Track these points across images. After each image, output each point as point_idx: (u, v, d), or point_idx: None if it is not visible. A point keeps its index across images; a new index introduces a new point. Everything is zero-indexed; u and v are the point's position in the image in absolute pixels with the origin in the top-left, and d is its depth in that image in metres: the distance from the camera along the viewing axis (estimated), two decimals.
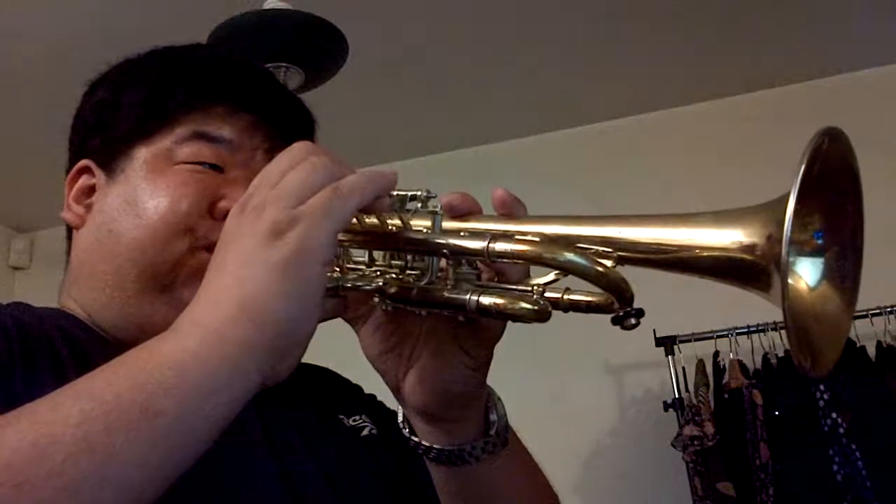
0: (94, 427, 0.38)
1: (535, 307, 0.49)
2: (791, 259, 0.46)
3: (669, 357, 2.46)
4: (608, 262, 0.48)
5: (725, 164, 2.75)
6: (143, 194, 0.66)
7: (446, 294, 0.53)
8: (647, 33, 2.57)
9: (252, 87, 0.73)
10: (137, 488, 0.39)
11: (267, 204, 0.47)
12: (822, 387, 2.17)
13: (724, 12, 2.49)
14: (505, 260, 0.50)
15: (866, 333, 2.25)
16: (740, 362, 2.34)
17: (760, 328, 2.32)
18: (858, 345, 2.26)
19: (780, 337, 2.33)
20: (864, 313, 2.21)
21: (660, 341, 2.46)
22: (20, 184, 3.01)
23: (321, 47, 1.97)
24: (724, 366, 2.38)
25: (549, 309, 0.49)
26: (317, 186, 0.48)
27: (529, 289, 0.52)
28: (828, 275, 0.48)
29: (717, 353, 2.41)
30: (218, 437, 0.43)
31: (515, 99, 2.87)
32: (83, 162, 0.72)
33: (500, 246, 0.49)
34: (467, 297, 0.51)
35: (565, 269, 0.48)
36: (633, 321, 0.48)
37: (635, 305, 0.48)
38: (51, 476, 0.36)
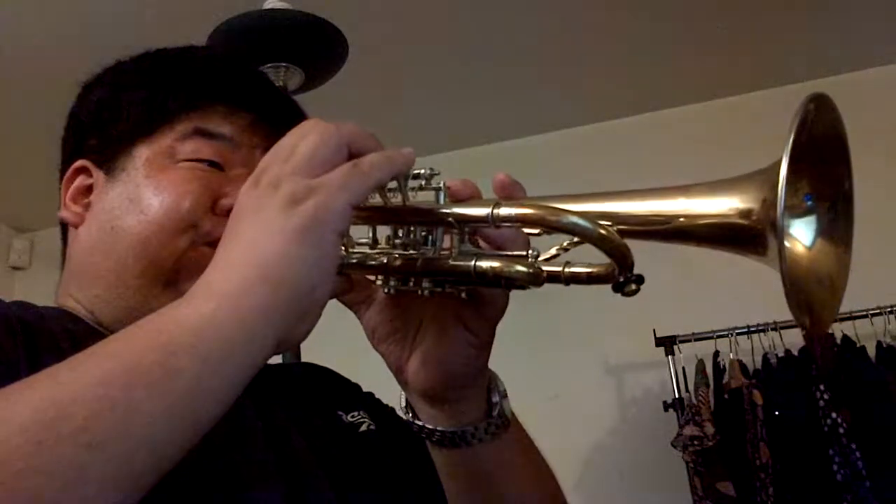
0: (116, 384, 0.39)
1: (531, 269, 0.50)
2: (786, 222, 0.48)
3: (669, 357, 2.46)
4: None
5: (726, 164, 2.70)
6: (147, 191, 0.66)
7: (451, 262, 0.54)
8: (647, 33, 2.57)
9: (250, 86, 0.74)
10: (160, 445, 0.40)
11: (283, 177, 0.48)
12: (822, 387, 2.17)
13: (725, 12, 2.49)
14: (509, 224, 0.51)
15: (866, 333, 2.25)
16: (740, 362, 2.34)
17: (760, 328, 2.32)
18: (858, 345, 2.26)
19: (780, 337, 2.33)
20: (864, 313, 2.22)
21: (660, 341, 2.46)
22: (20, 184, 3.01)
23: (321, 47, 1.96)
24: (724, 366, 2.38)
25: (544, 274, 0.51)
26: (329, 152, 0.49)
27: (525, 253, 0.53)
28: (822, 234, 0.49)
29: (717, 353, 2.41)
30: (231, 405, 0.44)
31: (515, 99, 2.88)
32: (80, 162, 0.72)
33: (504, 210, 0.50)
34: (470, 263, 0.53)
35: (568, 231, 0.49)
36: (633, 287, 0.48)
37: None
38: (74, 433, 0.36)
